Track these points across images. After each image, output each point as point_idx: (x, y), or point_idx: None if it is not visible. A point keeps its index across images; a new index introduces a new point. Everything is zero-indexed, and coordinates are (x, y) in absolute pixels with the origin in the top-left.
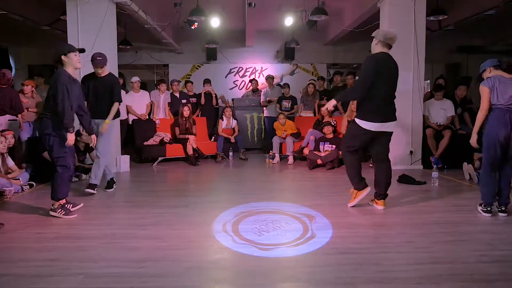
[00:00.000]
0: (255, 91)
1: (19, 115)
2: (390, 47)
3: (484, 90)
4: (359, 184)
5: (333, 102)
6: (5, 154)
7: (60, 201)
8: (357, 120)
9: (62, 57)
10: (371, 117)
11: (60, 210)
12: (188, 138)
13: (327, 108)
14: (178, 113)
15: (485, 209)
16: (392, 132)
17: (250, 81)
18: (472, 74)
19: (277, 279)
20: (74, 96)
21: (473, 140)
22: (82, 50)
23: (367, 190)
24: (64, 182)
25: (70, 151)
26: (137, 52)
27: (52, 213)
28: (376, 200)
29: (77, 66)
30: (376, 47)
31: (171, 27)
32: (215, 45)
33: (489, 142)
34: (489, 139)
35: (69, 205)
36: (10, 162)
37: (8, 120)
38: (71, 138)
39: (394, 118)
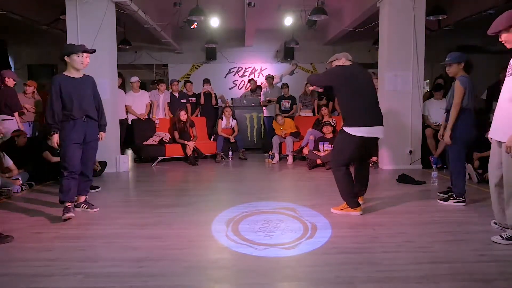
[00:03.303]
0: (254, 91)
1: (16, 114)
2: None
3: (460, 89)
4: (352, 202)
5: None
6: (2, 153)
7: (66, 204)
8: (346, 129)
9: (65, 57)
10: (360, 122)
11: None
12: (187, 144)
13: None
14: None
15: (461, 200)
16: (379, 138)
17: (249, 81)
18: (472, 73)
19: (277, 279)
20: (69, 97)
21: (447, 137)
22: (87, 51)
23: (358, 212)
24: (67, 188)
25: (75, 159)
26: (136, 52)
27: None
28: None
29: (78, 67)
30: (343, 63)
31: (170, 27)
32: (215, 44)
33: (465, 143)
34: (466, 141)
35: (85, 205)
36: (9, 162)
37: (3, 120)
38: (53, 140)
39: (381, 123)
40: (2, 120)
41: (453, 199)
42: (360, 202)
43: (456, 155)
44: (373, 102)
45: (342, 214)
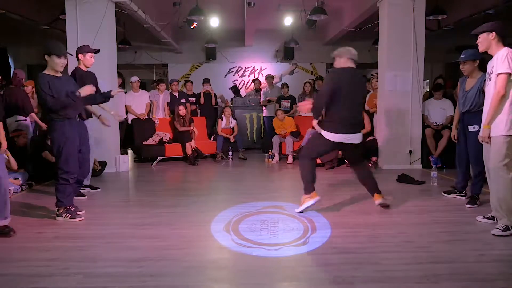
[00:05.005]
0: (258, 90)
1: (30, 115)
2: (355, 62)
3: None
4: (308, 186)
5: (314, 122)
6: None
7: (68, 206)
8: (323, 132)
9: (45, 56)
10: (335, 129)
11: (65, 214)
12: (193, 129)
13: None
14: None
15: (462, 193)
16: (359, 142)
17: (253, 81)
18: None
19: (277, 279)
20: (57, 95)
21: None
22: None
23: (314, 199)
24: (65, 194)
25: (74, 160)
26: (136, 52)
27: (58, 218)
28: (373, 195)
29: (56, 69)
30: (343, 63)
31: (170, 27)
32: (215, 44)
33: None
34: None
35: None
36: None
37: (16, 120)
38: (86, 89)
39: (357, 131)
40: (16, 121)
41: (456, 194)
42: (378, 200)
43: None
44: (354, 111)
45: (305, 208)
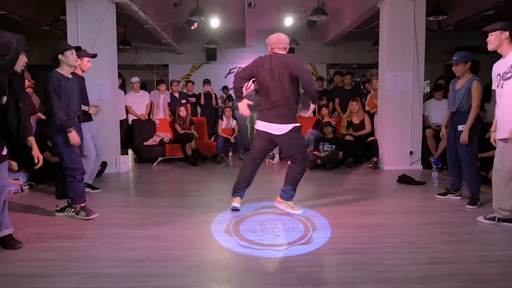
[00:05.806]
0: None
1: (34, 116)
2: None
3: (481, 89)
4: (233, 189)
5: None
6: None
7: (81, 203)
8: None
9: (59, 56)
10: (261, 117)
11: (81, 212)
12: (193, 133)
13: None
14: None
15: (458, 194)
16: (288, 135)
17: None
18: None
19: (277, 279)
20: (68, 95)
21: (466, 137)
22: (78, 48)
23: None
24: (78, 191)
25: (79, 157)
26: (136, 52)
27: (77, 216)
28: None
29: (73, 64)
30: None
31: (170, 27)
32: (215, 45)
33: (477, 143)
34: (478, 141)
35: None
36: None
37: None
38: (72, 136)
39: (279, 122)
40: None
41: (451, 194)
42: (276, 203)
43: (474, 155)
44: (275, 99)
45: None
